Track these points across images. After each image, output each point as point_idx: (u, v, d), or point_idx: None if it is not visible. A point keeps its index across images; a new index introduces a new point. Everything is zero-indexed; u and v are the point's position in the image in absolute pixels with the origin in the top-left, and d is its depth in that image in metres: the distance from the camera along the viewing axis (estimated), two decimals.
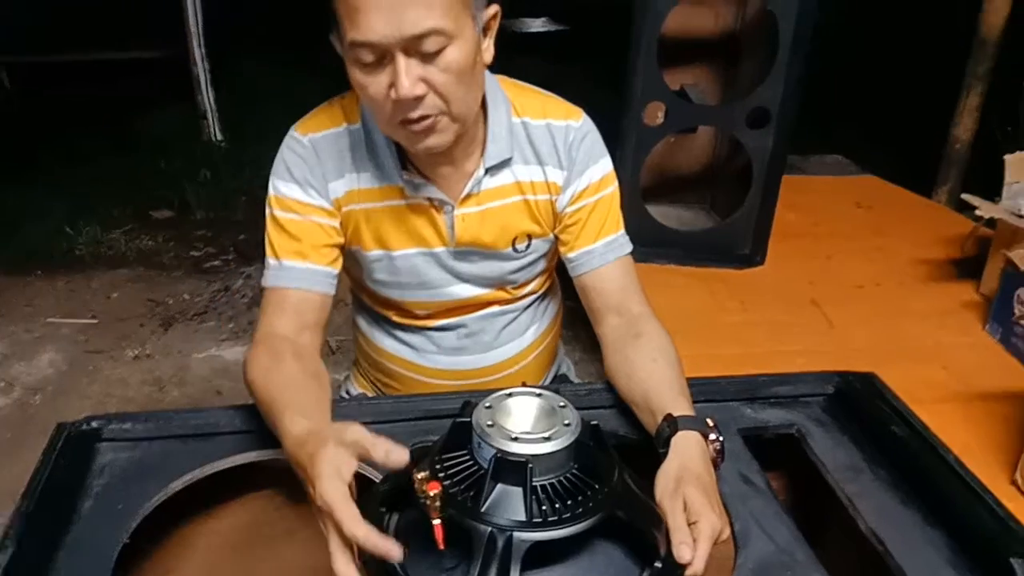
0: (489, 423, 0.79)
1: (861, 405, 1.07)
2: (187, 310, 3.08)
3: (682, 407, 0.96)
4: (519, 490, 0.75)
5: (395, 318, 1.26)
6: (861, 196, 2.82)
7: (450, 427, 0.84)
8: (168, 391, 2.57)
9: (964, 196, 2.00)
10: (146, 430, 1.02)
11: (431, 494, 0.74)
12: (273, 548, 1.11)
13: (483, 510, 0.75)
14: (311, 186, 1.09)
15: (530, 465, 0.75)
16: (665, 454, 0.91)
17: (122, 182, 4.10)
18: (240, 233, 3.70)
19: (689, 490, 0.85)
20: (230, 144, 4.59)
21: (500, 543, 0.74)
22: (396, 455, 0.75)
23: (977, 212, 1.92)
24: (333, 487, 0.74)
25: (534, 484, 0.75)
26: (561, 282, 1.37)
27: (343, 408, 1.07)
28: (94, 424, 1.02)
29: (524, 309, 1.28)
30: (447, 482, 0.78)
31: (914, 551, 0.87)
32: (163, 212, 3.96)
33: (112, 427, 1.02)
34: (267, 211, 1.11)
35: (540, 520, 0.74)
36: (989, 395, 1.70)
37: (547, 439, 0.77)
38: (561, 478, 0.77)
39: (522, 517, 0.74)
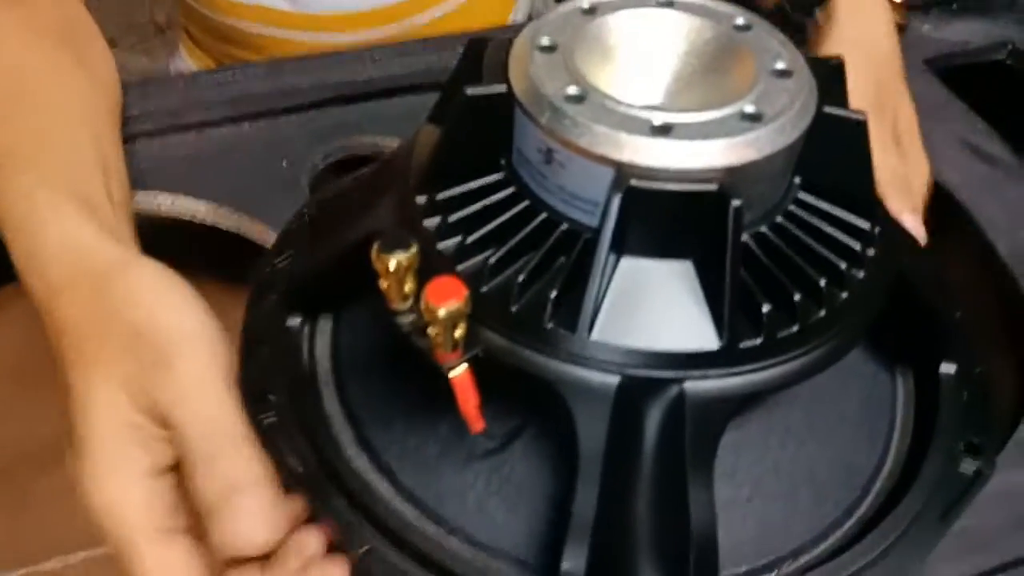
0: (573, 91, 0.27)
1: None
2: None
3: None
4: (687, 268, 0.27)
5: None
6: None
7: (442, 107, 0.33)
8: None
9: None
10: None
11: (434, 308, 0.25)
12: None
13: (592, 335, 0.27)
14: None
15: (734, 201, 0.26)
16: (810, 24, 0.51)
17: None
18: None
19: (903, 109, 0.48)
20: None
21: (655, 411, 0.27)
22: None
23: None
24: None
25: (746, 240, 0.27)
26: None
27: (169, 96, 0.53)
28: None
29: None
30: (469, 264, 0.29)
31: None
32: None
33: None
34: None
35: (761, 341, 0.27)
36: None
37: (754, 119, 0.27)
38: (782, 221, 0.29)
39: (711, 340, 0.27)
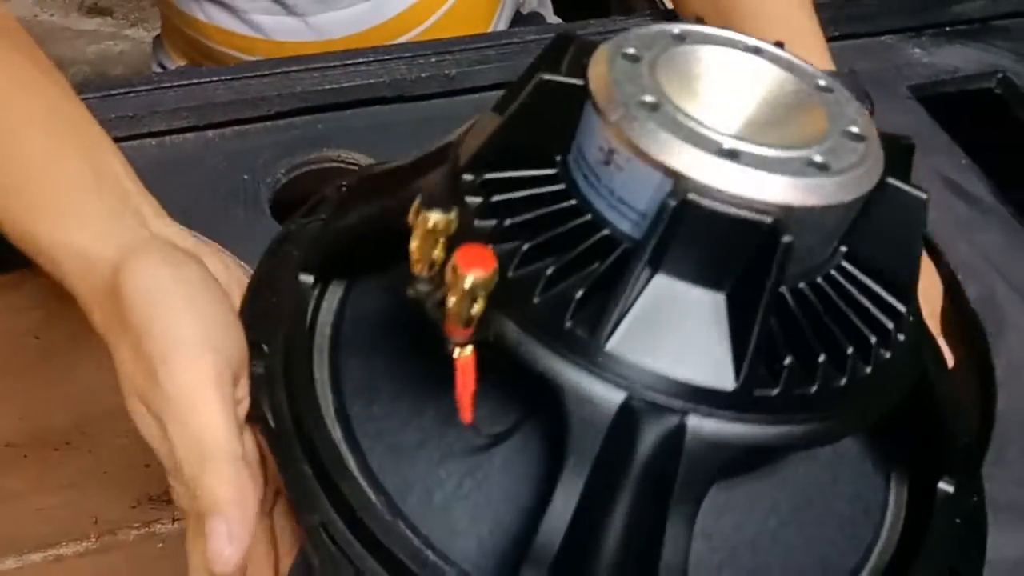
0: (648, 99, 0.27)
1: None
2: None
3: (816, 50, 0.50)
4: (719, 301, 0.27)
5: None
6: None
7: (511, 96, 0.33)
8: None
9: None
10: None
11: (461, 274, 0.25)
12: (51, 367, 0.57)
13: (608, 345, 0.26)
14: None
15: (784, 238, 0.25)
16: None
17: None
18: None
19: None
20: None
21: (652, 437, 0.26)
22: None
23: None
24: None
25: (782, 291, 0.27)
26: None
27: (128, 102, 0.51)
28: None
29: None
30: (501, 247, 0.28)
31: None
32: None
33: None
34: None
35: (777, 393, 0.26)
36: None
37: (820, 168, 0.27)
38: (821, 282, 0.28)
39: (726, 380, 0.26)
